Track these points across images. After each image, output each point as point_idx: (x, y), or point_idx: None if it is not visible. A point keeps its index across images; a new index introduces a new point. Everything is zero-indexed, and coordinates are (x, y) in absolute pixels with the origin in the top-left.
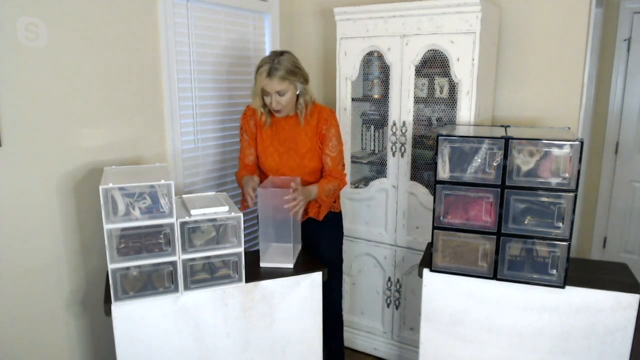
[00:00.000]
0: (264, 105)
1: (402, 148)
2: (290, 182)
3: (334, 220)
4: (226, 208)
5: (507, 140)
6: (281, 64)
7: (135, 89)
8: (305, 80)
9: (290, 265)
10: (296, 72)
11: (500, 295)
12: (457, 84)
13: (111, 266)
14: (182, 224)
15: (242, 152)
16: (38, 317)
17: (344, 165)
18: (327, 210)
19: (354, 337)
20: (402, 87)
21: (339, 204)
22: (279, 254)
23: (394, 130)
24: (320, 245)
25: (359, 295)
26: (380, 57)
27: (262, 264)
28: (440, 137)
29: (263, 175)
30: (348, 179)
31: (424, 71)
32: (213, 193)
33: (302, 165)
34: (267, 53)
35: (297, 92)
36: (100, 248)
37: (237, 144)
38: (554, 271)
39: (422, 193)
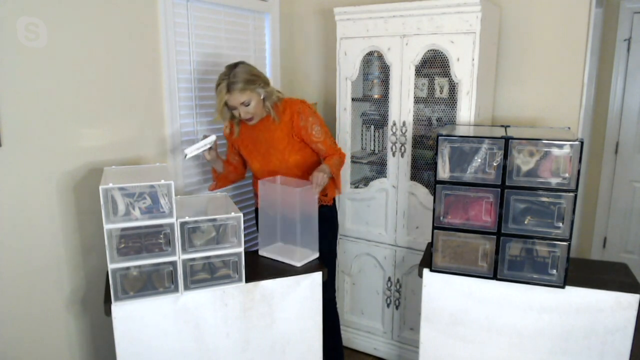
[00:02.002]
0: (232, 117)
1: (402, 148)
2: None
3: (326, 214)
4: (213, 137)
5: (507, 140)
6: (237, 76)
7: (135, 89)
8: (265, 84)
9: (317, 255)
10: (254, 80)
11: (500, 295)
12: (457, 84)
13: (111, 266)
14: (182, 224)
15: (227, 156)
16: (38, 317)
17: (335, 142)
18: (319, 203)
19: (354, 337)
20: (402, 87)
21: (330, 197)
22: (302, 250)
23: (394, 130)
24: None
25: (359, 295)
26: (380, 57)
27: (299, 264)
28: (440, 137)
29: (255, 178)
30: (345, 176)
31: (424, 71)
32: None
33: (284, 160)
34: (267, 53)
35: (262, 97)
36: (100, 248)
37: None
38: (554, 271)
39: (422, 193)
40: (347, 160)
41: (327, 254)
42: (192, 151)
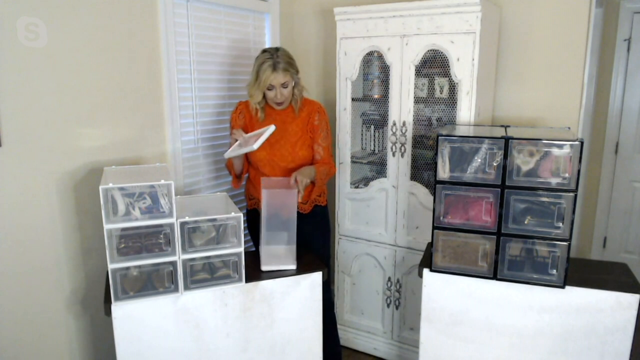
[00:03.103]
0: (260, 101)
1: (402, 148)
2: (284, 182)
3: (320, 215)
4: (273, 127)
5: (507, 140)
6: (280, 57)
7: (135, 89)
8: (297, 71)
9: (294, 267)
10: (293, 64)
11: (500, 295)
12: (457, 84)
13: (111, 266)
14: (182, 224)
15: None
16: (38, 317)
17: (332, 155)
18: (313, 204)
19: (354, 337)
20: (402, 87)
21: (324, 198)
22: (281, 256)
23: (394, 130)
24: (308, 242)
25: (359, 295)
26: (380, 57)
27: (263, 268)
28: (440, 137)
29: (253, 170)
30: (345, 176)
31: (424, 71)
32: None
33: (293, 153)
34: None
35: (294, 83)
36: (100, 248)
37: None
38: (554, 271)
39: (422, 193)
40: (347, 160)
41: (325, 256)
42: (259, 144)
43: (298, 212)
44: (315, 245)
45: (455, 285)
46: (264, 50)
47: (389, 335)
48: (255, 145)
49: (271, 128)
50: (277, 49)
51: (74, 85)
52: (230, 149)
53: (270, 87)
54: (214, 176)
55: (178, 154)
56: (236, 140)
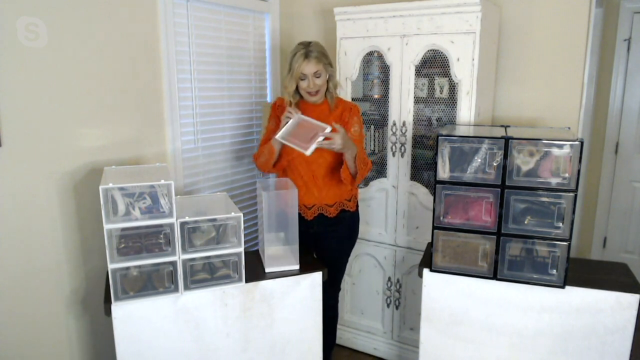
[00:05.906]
0: (294, 94)
1: (402, 148)
2: (281, 183)
3: (347, 221)
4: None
5: (507, 140)
6: (313, 47)
7: (135, 88)
8: (331, 65)
9: (297, 267)
10: (326, 55)
11: (500, 295)
12: (457, 84)
13: (111, 266)
14: (182, 224)
15: (266, 137)
16: (38, 318)
17: (366, 155)
18: (340, 208)
19: (354, 337)
20: (402, 87)
21: (354, 203)
22: (283, 256)
23: (394, 130)
24: (326, 249)
25: (359, 295)
26: (380, 57)
27: (267, 269)
28: (440, 137)
29: (283, 163)
30: None
31: (424, 71)
32: None
33: (323, 150)
34: (267, 53)
35: (327, 76)
36: (100, 248)
37: (237, 144)
38: (554, 271)
39: (422, 193)
40: None
41: (342, 262)
42: (312, 149)
43: (322, 216)
44: (332, 253)
45: (455, 285)
46: (299, 43)
47: (389, 335)
48: (308, 152)
49: (327, 129)
50: (310, 42)
51: (74, 85)
52: (283, 129)
53: (303, 77)
54: (214, 176)
55: (178, 154)
56: (289, 119)
